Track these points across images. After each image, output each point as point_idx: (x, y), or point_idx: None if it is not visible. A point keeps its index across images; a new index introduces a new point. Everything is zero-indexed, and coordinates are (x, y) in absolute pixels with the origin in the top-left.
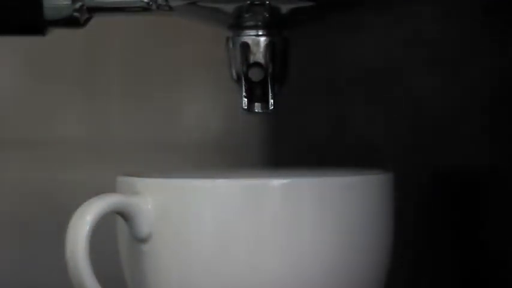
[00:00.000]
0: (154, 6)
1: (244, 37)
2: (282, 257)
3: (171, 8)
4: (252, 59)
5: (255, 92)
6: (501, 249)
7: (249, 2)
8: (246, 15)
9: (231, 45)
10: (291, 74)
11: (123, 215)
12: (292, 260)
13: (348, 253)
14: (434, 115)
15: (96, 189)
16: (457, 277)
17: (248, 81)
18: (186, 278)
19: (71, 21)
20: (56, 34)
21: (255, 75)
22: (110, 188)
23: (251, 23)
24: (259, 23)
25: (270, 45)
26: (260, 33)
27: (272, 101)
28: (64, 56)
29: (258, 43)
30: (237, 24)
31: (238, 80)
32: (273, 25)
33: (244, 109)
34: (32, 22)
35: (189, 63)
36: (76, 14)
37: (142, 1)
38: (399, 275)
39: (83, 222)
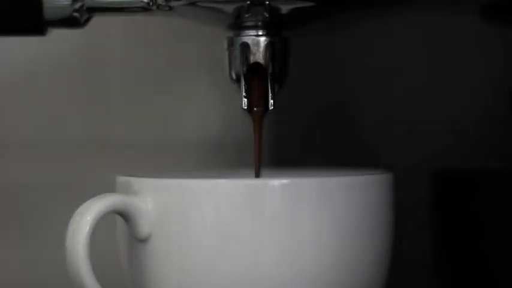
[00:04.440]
0: (154, 6)
1: (244, 37)
2: (282, 257)
3: (171, 8)
4: (252, 59)
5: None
6: (501, 249)
7: (249, 2)
8: (246, 16)
9: (230, 45)
10: (291, 74)
11: (123, 215)
12: (292, 260)
13: (348, 253)
14: (434, 115)
15: (96, 189)
16: (457, 277)
17: (248, 81)
18: (186, 278)
19: (71, 21)
20: (56, 34)
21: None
22: (110, 188)
23: (251, 23)
24: (259, 23)
25: (270, 45)
26: (260, 33)
27: (272, 101)
28: (64, 56)
29: (258, 43)
30: (237, 25)
31: (238, 80)
32: (273, 25)
33: (244, 109)
34: (32, 22)
35: (189, 63)
36: (76, 14)
37: (142, 1)
38: (399, 275)
39: (83, 222)
